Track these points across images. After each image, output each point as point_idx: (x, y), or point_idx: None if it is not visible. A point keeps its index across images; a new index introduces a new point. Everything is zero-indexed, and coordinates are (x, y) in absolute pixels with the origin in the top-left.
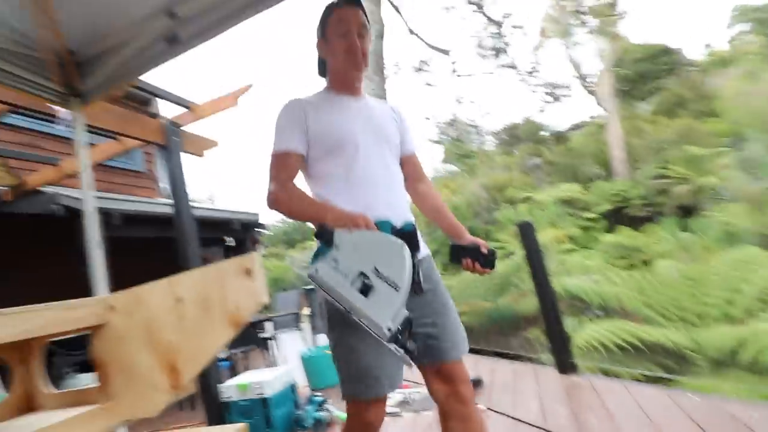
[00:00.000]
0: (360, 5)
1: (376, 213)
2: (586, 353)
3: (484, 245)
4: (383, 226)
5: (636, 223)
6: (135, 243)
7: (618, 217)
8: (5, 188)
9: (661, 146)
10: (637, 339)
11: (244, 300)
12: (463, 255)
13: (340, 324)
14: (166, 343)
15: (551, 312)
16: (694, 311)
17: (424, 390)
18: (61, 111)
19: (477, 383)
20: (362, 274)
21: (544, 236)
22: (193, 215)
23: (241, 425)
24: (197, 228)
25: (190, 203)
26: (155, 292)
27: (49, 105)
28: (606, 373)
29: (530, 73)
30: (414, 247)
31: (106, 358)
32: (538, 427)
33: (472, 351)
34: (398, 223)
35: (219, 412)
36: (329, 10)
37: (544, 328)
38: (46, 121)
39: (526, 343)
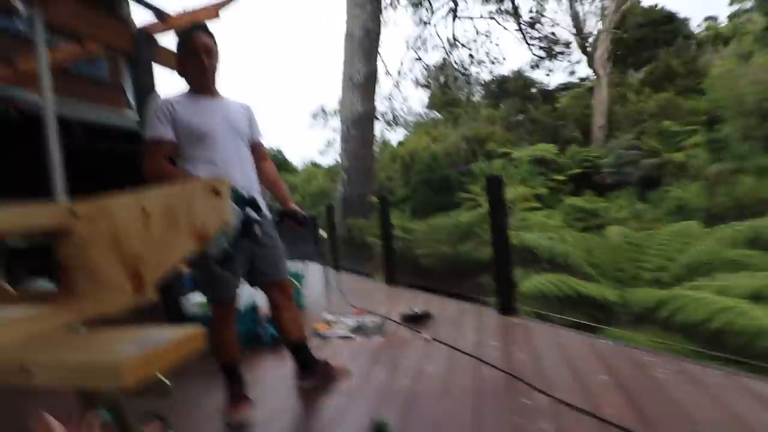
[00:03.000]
0: (207, 31)
1: (233, 183)
2: (527, 300)
3: (300, 212)
4: (236, 193)
5: (601, 189)
6: (98, 156)
7: (586, 181)
8: None
9: (641, 117)
10: (574, 292)
11: (210, 217)
12: (287, 217)
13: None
14: (131, 251)
15: (503, 260)
16: (630, 273)
17: (377, 319)
18: (20, 5)
19: (427, 316)
20: None
21: (513, 193)
22: None
23: (196, 327)
24: None
25: None
26: (121, 204)
27: None
28: (541, 318)
29: (531, 24)
30: (256, 210)
31: (70, 263)
32: (471, 356)
33: (426, 290)
34: (246, 193)
35: (180, 323)
36: (184, 37)
37: (494, 274)
38: (4, 15)
39: (478, 287)
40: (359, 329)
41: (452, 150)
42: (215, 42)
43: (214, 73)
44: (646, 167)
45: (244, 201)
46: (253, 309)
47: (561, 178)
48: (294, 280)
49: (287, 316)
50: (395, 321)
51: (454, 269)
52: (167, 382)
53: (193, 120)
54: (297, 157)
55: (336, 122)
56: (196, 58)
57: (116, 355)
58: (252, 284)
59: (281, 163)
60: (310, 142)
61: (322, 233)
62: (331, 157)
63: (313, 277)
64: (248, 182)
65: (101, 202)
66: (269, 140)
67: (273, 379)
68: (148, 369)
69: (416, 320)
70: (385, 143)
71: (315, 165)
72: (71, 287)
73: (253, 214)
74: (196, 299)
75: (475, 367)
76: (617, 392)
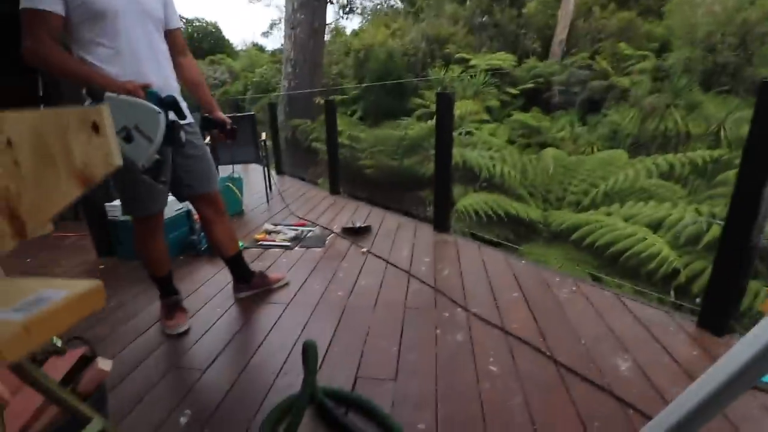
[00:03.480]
0: None
1: (145, 81)
2: (463, 216)
3: (229, 122)
4: (150, 95)
5: (549, 106)
6: None
7: (537, 97)
8: None
9: (599, 36)
10: (505, 211)
11: (92, 158)
12: (213, 126)
13: None
14: (1, 188)
15: (443, 179)
16: (556, 195)
17: (318, 230)
18: None
19: (366, 230)
20: (125, 128)
21: (464, 106)
22: None
23: (96, 282)
24: None
25: None
26: None
27: None
28: (473, 236)
29: None
30: (178, 114)
31: None
32: (403, 269)
33: (369, 202)
34: (163, 93)
35: (105, 230)
36: None
37: (434, 191)
38: None
39: (419, 200)
40: (299, 239)
41: (410, 49)
42: None
43: None
44: (594, 89)
45: (162, 103)
46: (187, 215)
47: (514, 91)
48: (232, 185)
49: (219, 230)
50: (336, 233)
51: (398, 182)
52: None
53: None
54: (237, 38)
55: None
56: None
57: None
58: (179, 198)
59: (218, 41)
60: (251, 21)
61: (263, 136)
62: (276, 41)
63: (253, 181)
64: (163, 79)
65: None
66: (204, 13)
67: (209, 288)
68: (34, 340)
69: (356, 233)
70: (338, 31)
71: (258, 48)
72: None
73: (176, 118)
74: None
75: (405, 282)
76: (524, 309)
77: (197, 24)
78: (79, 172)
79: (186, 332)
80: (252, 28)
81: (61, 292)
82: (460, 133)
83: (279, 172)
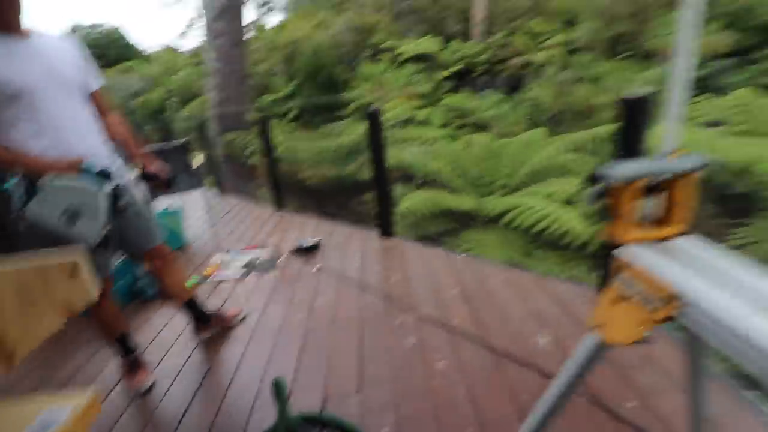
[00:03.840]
0: None
1: (73, 153)
2: (407, 217)
3: (164, 171)
4: (86, 170)
5: (477, 86)
6: None
7: (464, 78)
8: None
9: (516, 14)
10: (441, 206)
11: (72, 295)
12: (150, 179)
13: (52, 243)
14: None
15: (381, 189)
16: (487, 181)
17: (268, 253)
18: None
19: (315, 247)
20: (66, 210)
21: (395, 105)
22: None
23: (92, 392)
24: None
25: None
26: None
27: None
28: (418, 238)
29: None
30: (114, 180)
31: None
32: (354, 282)
33: (315, 212)
34: (97, 166)
35: None
36: None
37: (375, 201)
38: None
39: (363, 206)
40: (252, 266)
41: (337, 41)
42: None
43: (19, 5)
44: (513, 66)
45: (102, 175)
46: (129, 262)
47: (444, 74)
48: (169, 222)
49: (171, 282)
50: (286, 254)
51: (340, 190)
52: None
53: (3, 73)
54: (147, 43)
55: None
56: None
57: None
58: (127, 256)
59: (125, 47)
60: (161, 24)
61: (197, 160)
62: (193, 41)
63: (194, 208)
64: (91, 147)
65: None
66: (107, 18)
67: (167, 335)
68: None
69: (306, 251)
70: (261, 29)
71: (173, 50)
72: None
73: (112, 187)
74: None
75: (359, 294)
76: (463, 304)
77: (99, 31)
78: (61, 307)
79: (151, 387)
80: (164, 30)
81: (63, 411)
82: (394, 126)
83: (221, 189)
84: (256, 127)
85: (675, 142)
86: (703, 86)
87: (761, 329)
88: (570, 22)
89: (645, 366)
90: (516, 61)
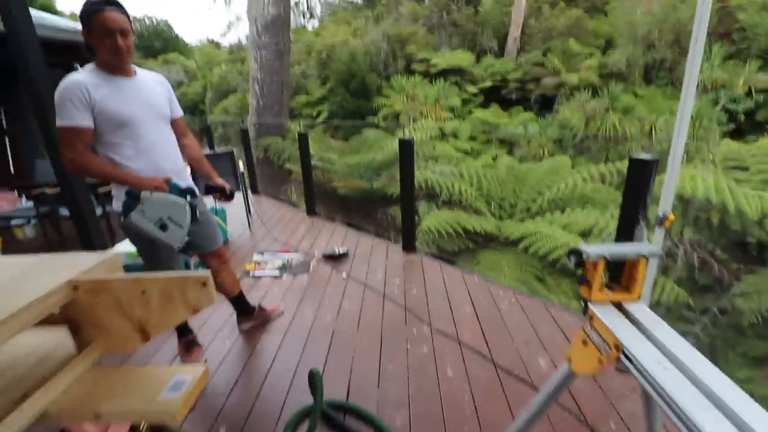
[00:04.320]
0: (123, 11)
1: (165, 174)
2: (425, 234)
3: (228, 187)
4: (173, 187)
5: (507, 103)
6: None
7: (495, 94)
8: None
9: (550, 34)
10: (462, 226)
11: (201, 299)
12: (214, 191)
13: (146, 242)
14: (136, 315)
15: (407, 206)
16: (509, 203)
17: (301, 257)
18: None
19: (344, 255)
20: (161, 219)
21: (425, 126)
22: (36, 35)
23: (204, 366)
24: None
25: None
26: (121, 284)
27: None
28: (435, 255)
29: None
30: (193, 196)
31: (77, 318)
32: (378, 292)
33: (344, 222)
34: (182, 184)
35: None
36: (94, 9)
37: (402, 218)
38: None
39: (389, 217)
40: (286, 267)
41: (372, 50)
42: (129, 19)
43: (131, 51)
44: (546, 86)
45: (184, 192)
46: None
47: (474, 90)
48: (217, 217)
49: (225, 279)
50: (317, 258)
51: (369, 201)
52: None
53: (113, 107)
54: (190, 38)
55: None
56: (110, 39)
57: (168, 403)
58: (189, 254)
59: (170, 39)
60: (205, 21)
61: (241, 168)
62: (233, 38)
63: (234, 209)
64: (175, 166)
65: (100, 280)
66: (154, 11)
67: (215, 321)
68: (188, 405)
69: (335, 259)
70: (300, 31)
71: (214, 44)
72: (84, 337)
73: (194, 201)
74: (122, 248)
75: (381, 303)
76: (474, 321)
77: (147, 22)
78: (191, 306)
79: (204, 364)
80: (207, 27)
81: (188, 376)
82: (422, 142)
83: (254, 191)
84: (290, 133)
85: (668, 208)
86: (749, 126)
87: (664, 378)
88: (607, 46)
89: (631, 395)
90: (549, 81)
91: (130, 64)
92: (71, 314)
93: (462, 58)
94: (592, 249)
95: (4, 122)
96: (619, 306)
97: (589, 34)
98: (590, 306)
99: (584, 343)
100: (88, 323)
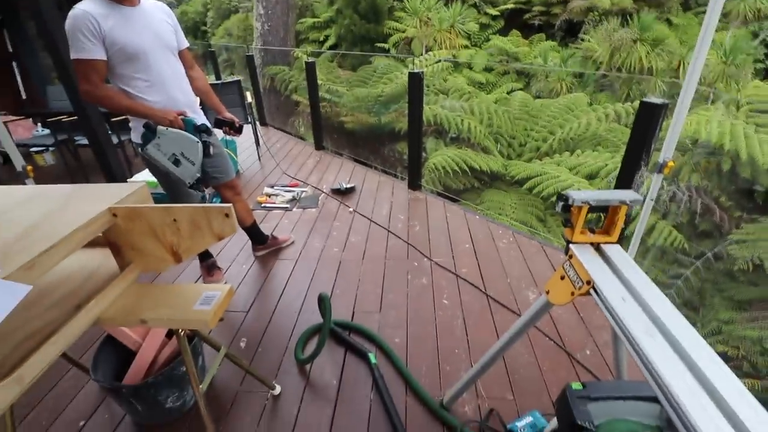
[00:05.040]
0: None
1: (178, 107)
2: (431, 172)
3: (237, 121)
4: (188, 123)
5: (527, 30)
6: None
7: (517, 19)
8: None
9: None
10: (468, 165)
11: (224, 228)
12: (224, 125)
13: (163, 174)
14: (168, 239)
15: (414, 144)
16: (519, 143)
17: (310, 191)
18: None
19: (351, 189)
20: (174, 154)
21: (438, 56)
22: None
23: (230, 285)
24: None
25: None
26: (153, 212)
27: None
28: (440, 193)
29: None
30: (208, 133)
31: (117, 241)
32: (383, 227)
33: (351, 157)
34: (197, 120)
35: None
36: None
37: (408, 153)
38: None
39: (397, 154)
40: (296, 200)
41: None
42: None
43: None
44: (572, 9)
45: (199, 129)
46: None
47: (494, 12)
48: (227, 149)
49: (238, 207)
50: (326, 193)
51: (376, 137)
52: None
53: (122, 38)
54: None
55: None
56: None
57: (202, 313)
58: (206, 185)
59: None
60: None
61: (249, 98)
62: None
63: (243, 140)
64: (187, 97)
65: (135, 208)
66: None
67: (232, 248)
68: (217, 316)
69: (343, 193)
70: None
71: None
72: (124, 257)
73: (206, 138)
74: (139, 177)
75: (385, 237)
76: (472, 256)
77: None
78: (216, 234)
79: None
80: None
81: (216, 292)
82: (434, 74)
83: (263, 123)
84: (297, 61)
85: (669, 155)
86: None
87: (622, 310)
88: None
89: (609, 327)
90: (577, 3)
91: None
92: (112, 237)
93: None
94: (577, 195)
95: (9, 46)
96: (597, 247)
97: None
98: (571, 246)
99: (561, 278)
100: (127, 246)
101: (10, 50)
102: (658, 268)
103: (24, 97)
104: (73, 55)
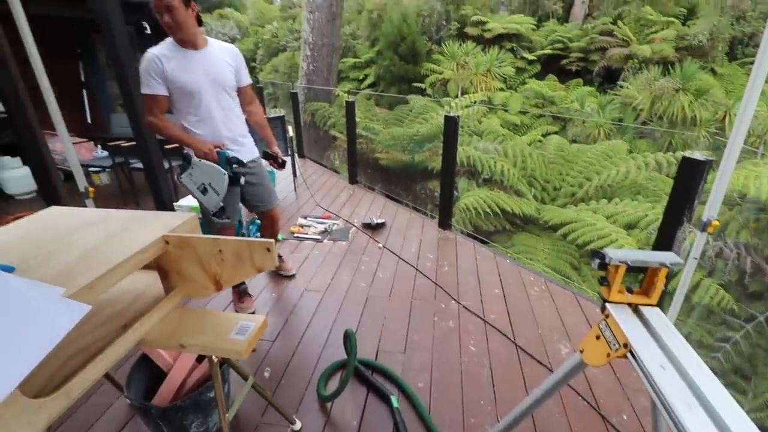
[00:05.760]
0: None
1: (221, 140)
2: (462, 212)
3: (281, 155)
4: (221, 155)
5: (565, 75)
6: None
7: (554, 64)
8: None
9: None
10: (500, 207)
11: (265, 261)
12: (270, 158)
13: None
14: (212, 268)
15: (447, 184)
16: (554, 186)
17: (341, 223)
18: None
19: (381, 225)
20: (203, 184)
21: (473, 97)
22: None
23: (264, 316)
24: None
25: None
26: (202, 242)
27: None
28: (470, 234)
29: None
30: (240, 164)
31: (166, 266)
32: (411, 265)
33: (383, 193)
34: (230, 153)
35: None
36: None
37: (440, 194)
38: None
39: (428, 191)
40: (327, 232)
41: (425, 10)
42: None
43: (184, 26)
44: (611, 57)
45: (229, 161)
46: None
47: (530, 57)
48: None
49: (270, 234)
50: (356, 227)
51: (409, 174)
52: None
53: (180, 78)
54: None
55: None
56: (160, 18)
57: (236, 343)
58: (250, 211)
59: None
60: None
61: (290, 132)
62: None
63: (283, 171)
64: (232, 132)
65: (186, 237)
66: None
67: (263, 277)
68: (251, 347)
69: (373, 228)
70: None
71: (268, 0)
72: (170, 282)
73: (237, 169)
74: (185, 203)
75: (413, 275)
76: (501, 302)
77: None
78: (257, 267)
79: (253, 313)
80: None
81: (251, 323)
82: (468, 117)
83: (301, 155)
84: (337, 99)
85: (714, 213)
86: None
87: (661, 378)
88: (688, 16)
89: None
90: (616, 51)
91: (197, 36)
92: (162, 263)
93: (520, 22)
94: (614, 253)
95: (82, 76)
96: (635, 309)
97: (668, 1)
98: (607, 306)
99: (597, 337)
100: (174, 271)
101: (83, 79)
102: (703, 328)
103: (89, 121)
104: (142, 90)
